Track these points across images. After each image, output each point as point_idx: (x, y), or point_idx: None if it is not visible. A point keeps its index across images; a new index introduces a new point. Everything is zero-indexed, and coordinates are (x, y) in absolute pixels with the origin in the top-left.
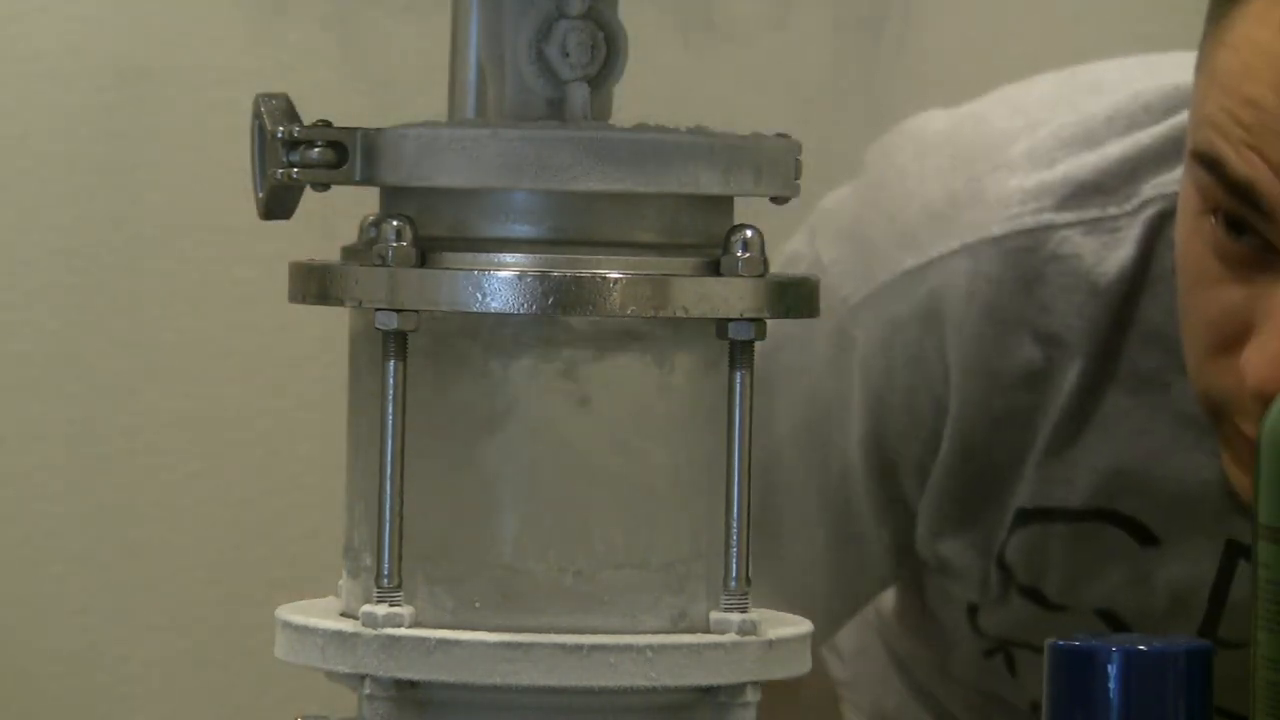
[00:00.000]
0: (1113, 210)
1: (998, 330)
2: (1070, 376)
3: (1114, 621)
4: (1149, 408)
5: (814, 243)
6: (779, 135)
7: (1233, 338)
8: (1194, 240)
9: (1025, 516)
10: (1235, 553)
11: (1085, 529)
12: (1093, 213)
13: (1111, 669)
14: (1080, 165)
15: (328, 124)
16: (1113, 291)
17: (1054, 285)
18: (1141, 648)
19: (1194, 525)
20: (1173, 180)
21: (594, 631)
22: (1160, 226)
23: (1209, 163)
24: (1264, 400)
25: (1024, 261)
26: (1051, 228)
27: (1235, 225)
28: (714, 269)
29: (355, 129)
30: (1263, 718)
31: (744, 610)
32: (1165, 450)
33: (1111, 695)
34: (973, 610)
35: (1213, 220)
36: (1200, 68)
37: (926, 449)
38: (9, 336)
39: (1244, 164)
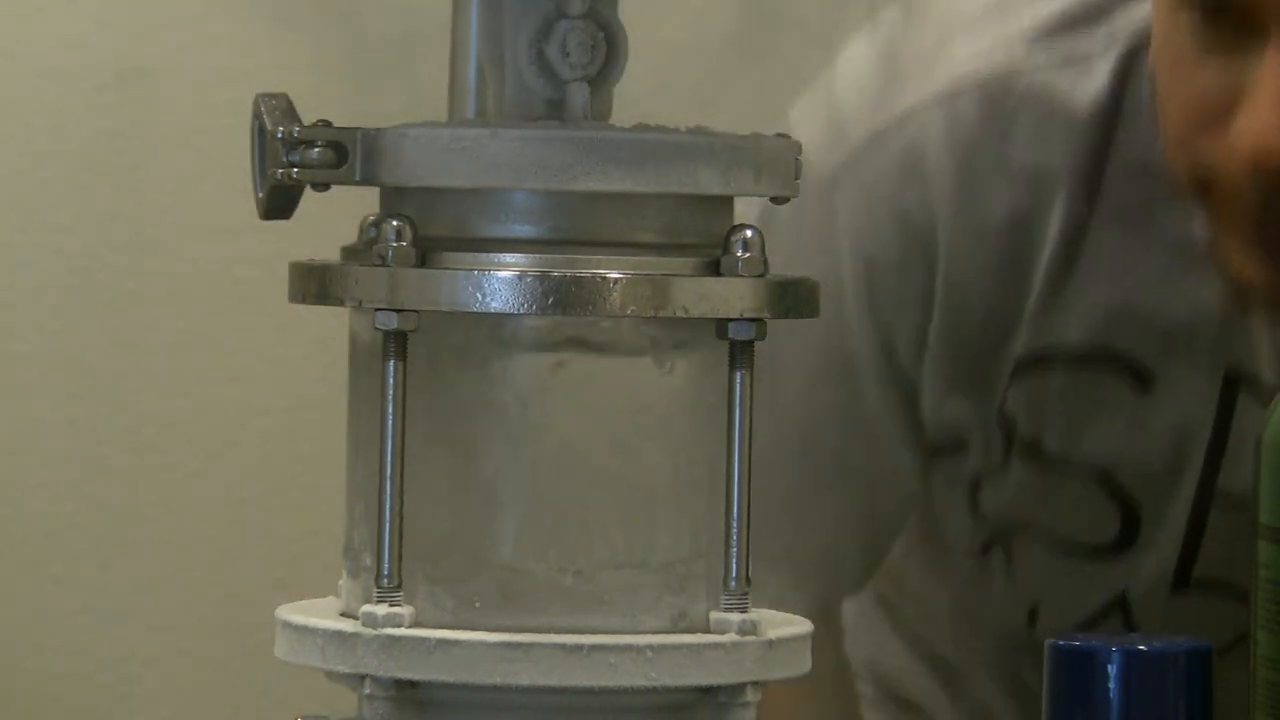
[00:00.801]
0: (1084, 45)
1: (979, 175)
2: (1055, 217)
3: (1112, 485)
4: (1134, 241)
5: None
6: (779, 135)
7: (1215, 114)
8: (1172, 36)
9: (1023, 366)
10: (1234, 387)
11: (1083, 378)
12: (1064, 49)
13: (1111, 669)
14: (1049, 5)
15: (328, 124)
16: (1088, 125)
17: (1029, 123)
18: (1141, 648)
19: (1190, 360)
20: (1142, 15)
21: (594, 631)
22: (1132, 60)
23: None
24: (1258, 169)
25: (998, 103)
26: (1023, 67)
27: (1211, 10)
28: (714, 269)
29: (355, 129)
30: (1263, 717)
31: (744, 610)
32: (1155, 282)
33: (1111, 695)
34: (975, 489)
35: (1189, 10)
36: None
37: (922, 311)
38: (9, 336)
39: None
